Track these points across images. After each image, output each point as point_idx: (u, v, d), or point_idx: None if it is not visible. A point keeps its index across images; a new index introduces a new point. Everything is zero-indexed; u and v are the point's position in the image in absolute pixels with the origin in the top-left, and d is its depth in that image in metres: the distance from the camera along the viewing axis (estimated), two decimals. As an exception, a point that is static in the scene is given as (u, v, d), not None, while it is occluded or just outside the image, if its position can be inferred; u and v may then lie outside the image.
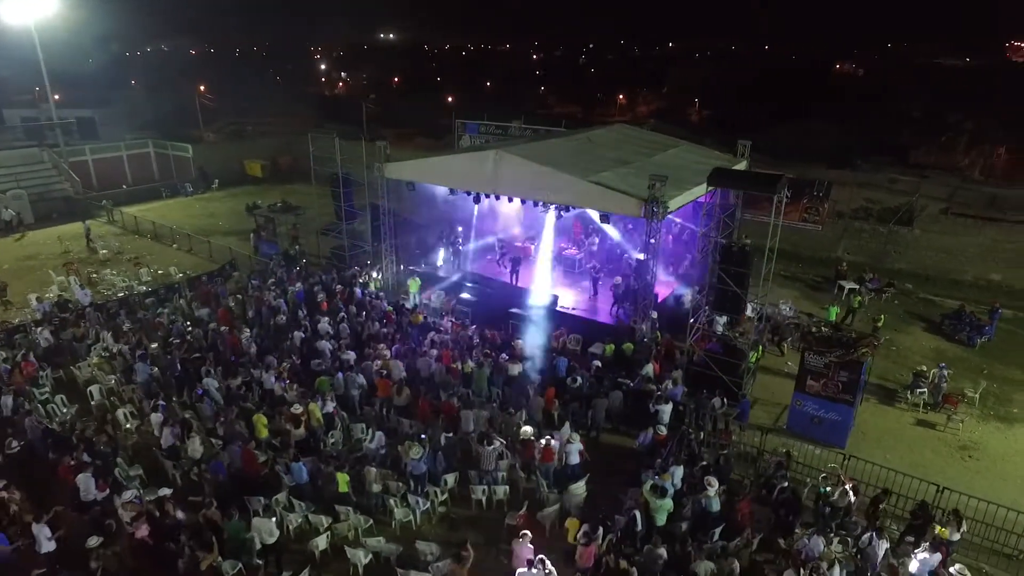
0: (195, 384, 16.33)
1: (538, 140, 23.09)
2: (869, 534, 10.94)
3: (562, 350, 18.49)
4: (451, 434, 13.81)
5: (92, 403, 16.27)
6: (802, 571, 10.19)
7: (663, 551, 10.81)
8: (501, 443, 13.27)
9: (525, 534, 10.82)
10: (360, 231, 24.77)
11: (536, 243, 23.29)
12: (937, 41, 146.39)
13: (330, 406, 14.71)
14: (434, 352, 17.01)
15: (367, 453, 13.60)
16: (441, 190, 21.41)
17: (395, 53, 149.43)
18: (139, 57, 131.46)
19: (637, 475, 13.61)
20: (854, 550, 10.85)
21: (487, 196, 19.98)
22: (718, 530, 11.88)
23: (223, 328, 18.03)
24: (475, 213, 23.29)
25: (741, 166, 21.79)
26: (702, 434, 14.41)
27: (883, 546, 10.81)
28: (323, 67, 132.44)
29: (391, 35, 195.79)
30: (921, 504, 12.06)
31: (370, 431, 13.87)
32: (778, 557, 11.67)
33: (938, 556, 10.37)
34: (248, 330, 18.25)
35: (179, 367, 16.38)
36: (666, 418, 14.91)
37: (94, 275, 24.46)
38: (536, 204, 19.59)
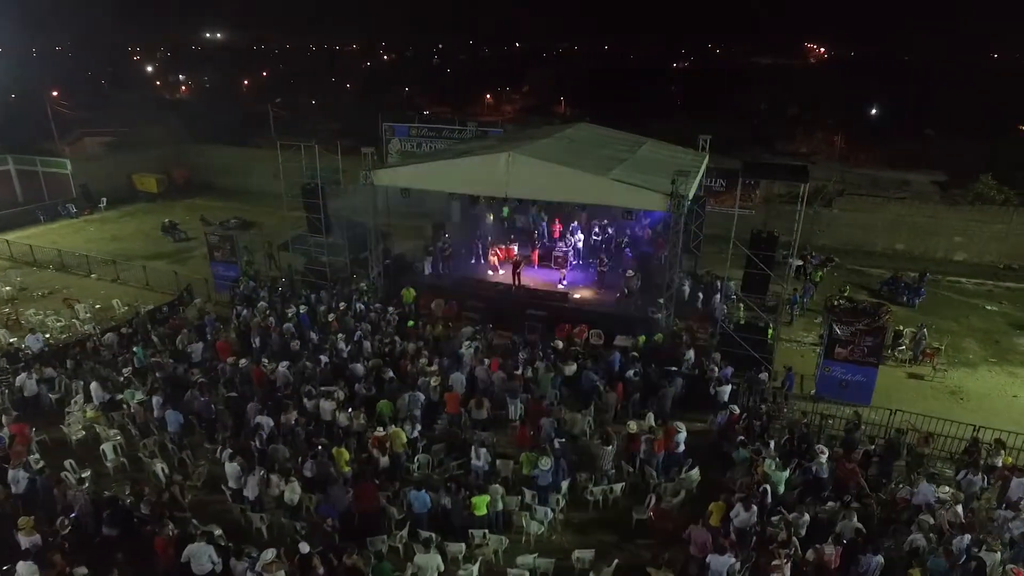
0: (229, 426, 14.67)
1: (519, 140, 22.91)
2: (965, 472, 12.57)
3: (585, 345, 18.87)
4: (563, 439, 13.65)
5: (108, 464, 13.95)
6: (933, 515, 11.50)
7: (807, 516, 11.63)
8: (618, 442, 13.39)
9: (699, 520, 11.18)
10: (330, 243, 23.17)
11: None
12: (745, 43, 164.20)
13: (416, 429, 13.89)
14: (485, 361, 16.57)
15: (476, 471, 13.08)
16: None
17: (231, 54, 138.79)
18: None
19: (717, 454, 14.44)
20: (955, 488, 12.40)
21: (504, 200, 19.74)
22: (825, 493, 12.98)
23: (242, 362, 16.16)
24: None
25: (705, 160, 23.48)
26: (764, 407, 15.51)
27: (977, 482, 12.48)
28: (150, 69, 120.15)
29: (218, 35, 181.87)
30: (973, 440, 14.01)
31: (473, 449, 13.27)
32: (880, 508, 13.03)
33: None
34: (265, 360, 16.57)
35: (213, 410, 14.51)
36: (726, 398, 15.92)
37: (12, 317, 20.62)
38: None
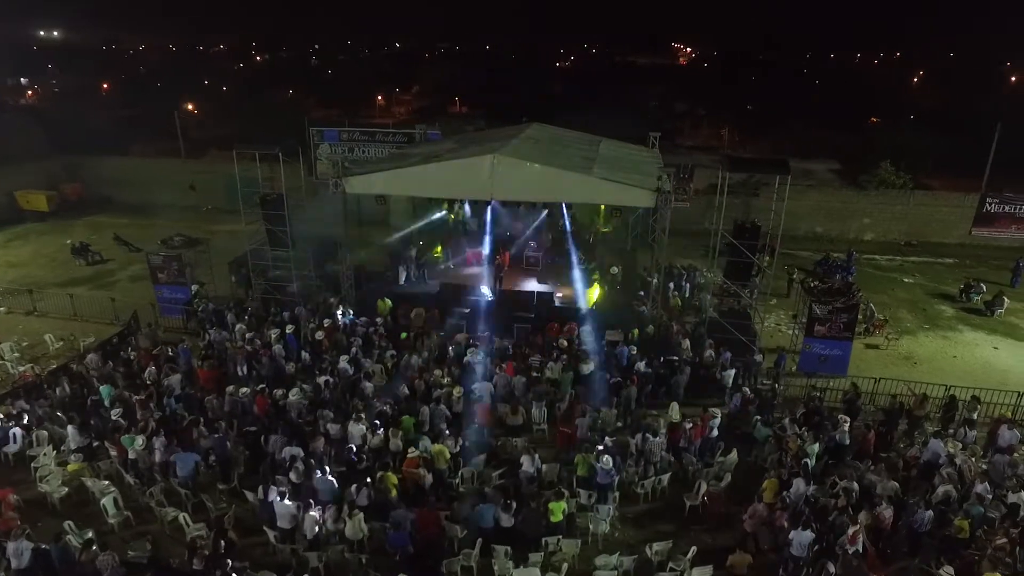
0: (243, 462, 13.47)
1: (493, 141, 22.43)
2: (962, 428, 14.06)
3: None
4: (615, 436, 13.71)
5: (110, 520, 12.28)
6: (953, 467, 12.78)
7: (856, 485, 12.51)
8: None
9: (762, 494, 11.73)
10: (291, 256, 21.62)
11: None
12: (621, 43, 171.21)
13: (458, 444, 13.44)
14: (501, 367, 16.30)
15: (526, 477, 12.85)
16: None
17: (79, 55, 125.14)
18: None
19: (735, 436, 15.14)
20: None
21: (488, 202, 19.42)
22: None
23: (243, 391, 14.79)
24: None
25: (658, 156, 24.50)
26: (779, 386, 16.49)
27: (973, 435, 14.02)
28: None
29: (54, 32, 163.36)
30: (951, 398, 15.68)
31: (526, 456, 13.03)
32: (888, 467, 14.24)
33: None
34: (261, 387, 15.31)
35: (228, 447, 13.18)
36: (730, 382, 16.76)
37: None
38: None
